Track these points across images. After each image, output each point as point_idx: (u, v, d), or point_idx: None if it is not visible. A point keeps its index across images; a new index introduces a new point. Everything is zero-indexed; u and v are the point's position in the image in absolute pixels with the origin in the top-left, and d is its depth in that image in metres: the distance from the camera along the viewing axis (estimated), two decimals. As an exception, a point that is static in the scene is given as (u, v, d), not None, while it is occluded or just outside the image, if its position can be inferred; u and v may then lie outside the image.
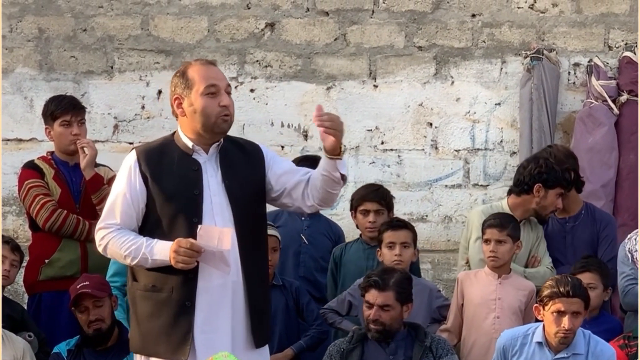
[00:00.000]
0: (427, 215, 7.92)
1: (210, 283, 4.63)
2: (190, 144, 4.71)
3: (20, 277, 6.58)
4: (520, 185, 6.31)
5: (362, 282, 5.78)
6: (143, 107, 8.03)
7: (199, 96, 4.64)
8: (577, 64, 7.85)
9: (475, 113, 7.90)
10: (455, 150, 7.92)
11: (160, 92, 7.97)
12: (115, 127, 8.03)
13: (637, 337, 5.78)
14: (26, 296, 6.68)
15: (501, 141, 7.89)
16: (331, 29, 7.95)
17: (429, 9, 7.90)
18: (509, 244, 6.00)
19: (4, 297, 6.21)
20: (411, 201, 7.92)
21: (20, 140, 8.02)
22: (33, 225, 6.39)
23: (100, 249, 4.78)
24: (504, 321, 5.90)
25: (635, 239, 6.05)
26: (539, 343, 5.43)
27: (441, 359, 5.60)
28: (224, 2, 7.99)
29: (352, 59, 7.95)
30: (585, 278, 5.88)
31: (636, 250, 6.02)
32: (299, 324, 6.33)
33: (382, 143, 7.91)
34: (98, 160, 6.40)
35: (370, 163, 7.93)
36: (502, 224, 6.01)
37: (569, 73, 7.86)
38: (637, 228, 6.27)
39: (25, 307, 6.46)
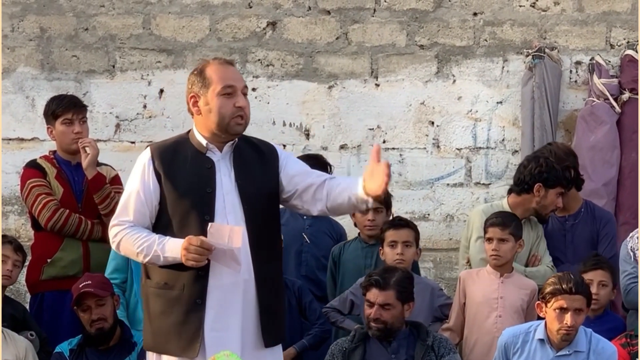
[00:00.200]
0: (429, 214, 7.92)
1: (221, 281, 4.62)
2: (204, 142, 4.70)
3: (22, 277, 6.57)
4: (521, 185, 6.30)
5: (363, 281, 5.79)
6: (145, 106, 8.03)
7: (215, 96, 4.63)
8: (578, 63, 7.84)
9: (477, 112, 7.90)
10: (457, 149, 7.91)
11: (162, 91, 7.97)
12: (117, 126, 8.03)
13: (638, 336, 5.77)
14: (28, 295, 6.68)
15: (503, 140, 7.89)
16: (333, 28, 7.94)
17: (431, 7, 7.89)
18: (511, 242, 5.99)
19: (6, 297, 6.22)
20: (413, 200, 7.91)
21: (22, 139, 8.02)
22: (35, 224, 6.39)
23: (113, 246, 4.77)
24: (506, 320, 5.89)
25: (637, 237, 6.04)
26: (541, 340, 5.43)
27: (443, 357, 5.60)
28: (225, 1, 7.98)
29: (353, 57, 7.94)
30: (597, 276, 5.88)
31: (638, 249, 6.01)
32: (301, 322, 6.32)
33: (384, 142, 7.90)
34: (100, 160, 6.40)
35: (372, 162, 7.91)
36: (504, 222, 6.01)
37: (571, 71, 7.85)
38: (638, 226, 6.26)
39: (28, 307, 6.46)
